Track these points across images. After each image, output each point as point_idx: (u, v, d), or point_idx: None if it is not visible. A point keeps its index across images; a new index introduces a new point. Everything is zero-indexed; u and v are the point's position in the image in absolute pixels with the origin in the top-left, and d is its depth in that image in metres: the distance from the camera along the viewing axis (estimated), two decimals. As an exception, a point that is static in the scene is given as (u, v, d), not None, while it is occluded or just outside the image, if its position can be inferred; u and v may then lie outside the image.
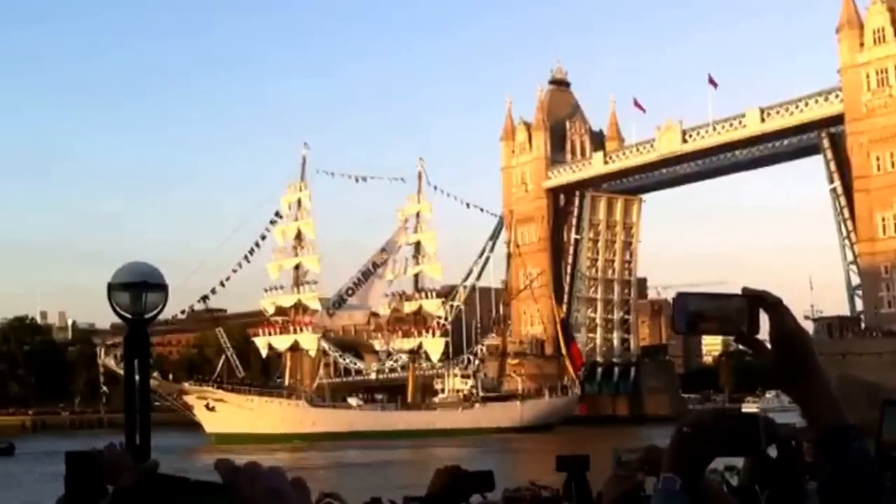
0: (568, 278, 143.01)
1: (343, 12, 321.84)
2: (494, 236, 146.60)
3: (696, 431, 2.47)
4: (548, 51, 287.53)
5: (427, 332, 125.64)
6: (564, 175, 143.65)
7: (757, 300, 2.43)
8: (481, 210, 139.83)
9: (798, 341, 2.46)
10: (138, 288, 11.93)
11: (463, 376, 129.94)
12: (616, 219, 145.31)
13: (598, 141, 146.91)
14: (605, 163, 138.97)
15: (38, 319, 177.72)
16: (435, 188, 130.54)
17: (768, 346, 2.47)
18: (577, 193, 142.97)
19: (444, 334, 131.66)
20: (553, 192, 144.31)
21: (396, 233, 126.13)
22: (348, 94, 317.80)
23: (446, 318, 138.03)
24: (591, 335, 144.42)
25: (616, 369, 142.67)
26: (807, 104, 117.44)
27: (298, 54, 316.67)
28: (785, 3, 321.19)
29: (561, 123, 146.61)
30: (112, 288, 11.92)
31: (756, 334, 2.37)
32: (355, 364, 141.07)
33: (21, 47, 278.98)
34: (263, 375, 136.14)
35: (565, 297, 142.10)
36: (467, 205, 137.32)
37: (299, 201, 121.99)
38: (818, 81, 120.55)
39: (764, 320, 2.35)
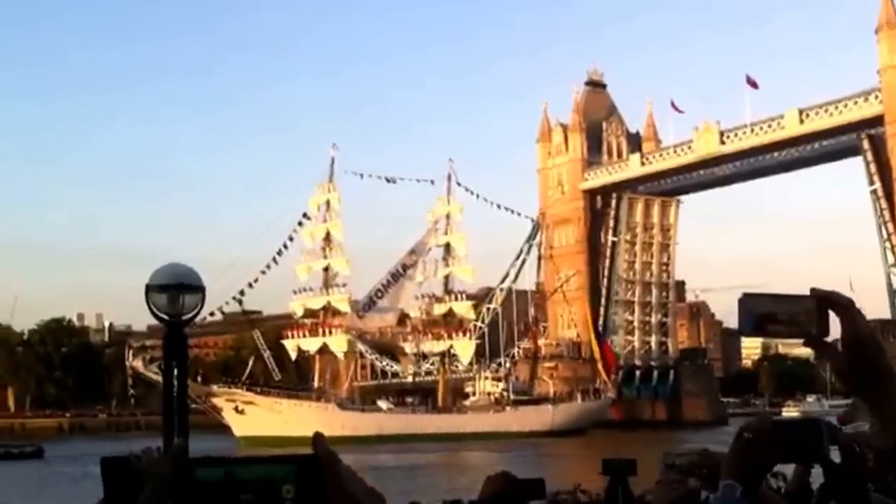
0: (605, 281, 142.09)
1: (374, 11, 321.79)
2: (531, 238, 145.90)
3: (757, 437, 2.41)
4: (583, 52, 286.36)
5: (457, 334, 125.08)
6: (601, 177, 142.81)
7: (826, 301, 2.35)
8: (511, 212, 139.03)
9: (870, 344, 2.37)
10: (176, 289, 11.82)
11: (494, 379, 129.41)
12: (653, 221, 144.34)
13: (634, 142, 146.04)
14: (642, 164, 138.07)
15: (75, 321, 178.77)
16: (465, 189, 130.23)
17: (839, 349, 2.39)
18: (614, 195, 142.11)
19: (480, 337, 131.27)
20: (590, 194, 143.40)
21: (426, 234, 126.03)
22: (378, 95, 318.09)
23: (482, 321, 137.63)
24: (628, 338, 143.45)
25: (654, 373, 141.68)
26: (846, 105, 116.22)
27: (328, 53, 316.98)
28: (824, 3, 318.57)
29: (597, 125, 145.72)
30: (150, 289, 11.79)
31: (825, 337, 2.36)
32: (391, 367, 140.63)
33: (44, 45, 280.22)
34: (299, 378, 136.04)
35: (602, 299, 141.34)
36: (497, 206, 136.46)
37: (328, 203, 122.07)
38: (858, 82, 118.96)
39: (834, 322, 2.40)
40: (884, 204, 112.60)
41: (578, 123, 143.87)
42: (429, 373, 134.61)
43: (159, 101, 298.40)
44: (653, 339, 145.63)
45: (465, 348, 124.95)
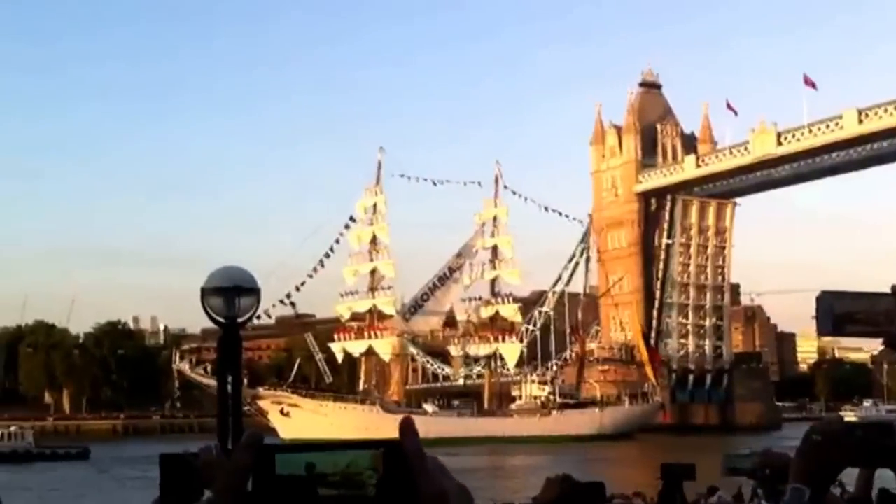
0: (658, 284, 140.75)
1: (422, 12, 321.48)
2: (584, 241, 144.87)
3: (827, 440, 2.33)
4: (638, 53, 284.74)
5: (504, 337, 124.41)
6: (655, 179, 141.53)
7: None
8: (560, 214, 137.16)
9: None
10: (231, 292, 11.45)
11: (540, 383, 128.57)
12: (708, 223, 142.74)
13: (689, 144, 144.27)
14: (698, 166, 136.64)
15: (131, 325, 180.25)
16: (513, 192, 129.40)
17: None
18: (669, 197, 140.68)
19: (532, 341, 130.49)
20: (644, 197, 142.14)
21: (473, 237, 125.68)
22: (426, 97, 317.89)
23: (534, 325, 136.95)
24: (682, 342, 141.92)
25: (708, 377, 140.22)
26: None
27: (376, 55, 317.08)
28: (882, 3, 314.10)
29: (652, 126, 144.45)
30: (205, 292, 11.38)
31: None
32: (443, 370, 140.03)
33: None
34: (350, 381, 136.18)
35: (656, 303, 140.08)
36: (545, 208, 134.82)
37: (375, 206, 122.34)
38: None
39: None
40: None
41: (633, 125, 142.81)
42: (480, 376, 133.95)
43: (211, 103, 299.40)
44: (707, 343, 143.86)
45: (511, 351, 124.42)
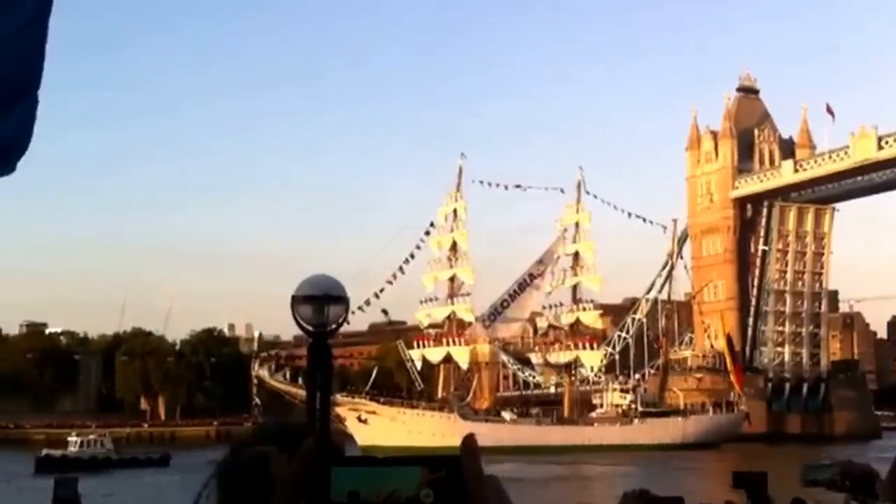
0: (755, 291, 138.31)
1: (504, 7, 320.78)
2: (679, 248, 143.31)
3: None
4: (735, 57, 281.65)
5: (585, 344, 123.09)
6: (752, 185, 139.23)
7: None
8: (644, 220, 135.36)
9: None
10: (321, 301, 11.32)
11: (622, 391, 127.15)
12: (806, 229, 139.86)
13: (787, 149, 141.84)
14: (795, 171, 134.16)
15: (226, 331, 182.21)
16: (594, 197, 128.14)
17: None
18: (766, 203, 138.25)
19: (624, 348, 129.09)
20: (739, 203, 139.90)
21: (554, 243, 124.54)
22: (509, 102, 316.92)
23: (627, 332, 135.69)
24: (778, 350, 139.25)
25: (805, 385, 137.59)
26: None
27: (459, 58, 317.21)
28: None
29: (749, 131, 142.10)
30: (295, 300, 11.29)
31: None
32: (534, 377, 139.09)
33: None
34: (443, 388, 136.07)
35: (751, 310, 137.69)
36: (629, 214, 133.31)
37: (455, 212, 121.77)
38: None
39: None
40: None
41: (729, 130, 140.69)
42: (578, 382, 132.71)
43: (302, 105, 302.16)
44: (804, 351, 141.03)
45: (592, 359, 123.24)
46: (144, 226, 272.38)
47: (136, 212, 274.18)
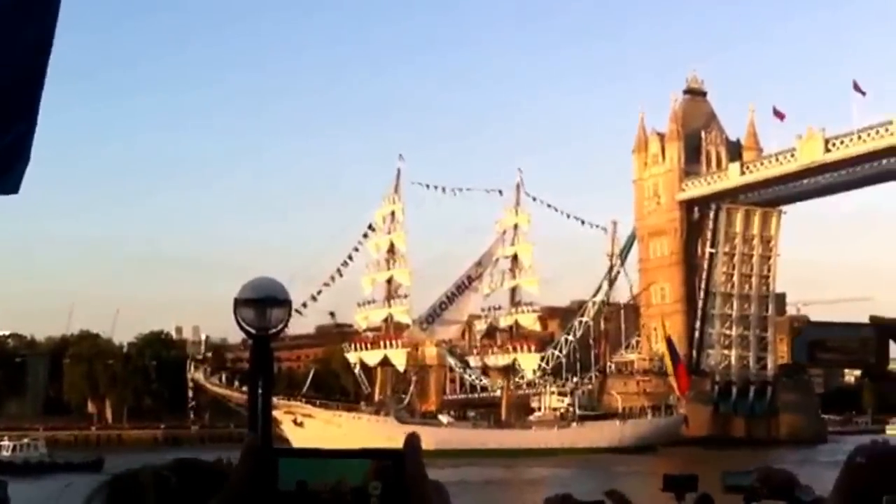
0: (701, 294, 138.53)
1: (449, 19, 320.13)
2: (625, 250, 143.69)
3: (872, 463, 2.22)
4: (681, 59, 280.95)
5: (522, 347, 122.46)
6: (699, 187, 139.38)
7: (887, 330, 2.11)
8: (582, 222, 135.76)
9: None
10: (263, 303, 10.77)
11: (560, 394, 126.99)
12: (753, 232, 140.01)
13: (734, 151, 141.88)
14: (742, 174, 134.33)
15: (174, 334, 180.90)
16: (534, 199, 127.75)
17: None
18: (713, 206, 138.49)
19: (571, 351, 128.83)
20: (686, 205, 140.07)
21: (493, 245, 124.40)
22: (450, 103, 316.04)
23: (573, 335, 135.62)
24: (725, 353, 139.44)
25: (752, 389, 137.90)
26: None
27: (397, 60, 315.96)
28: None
29: (696, 134, 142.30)
30: (237, 303, 10.75)
31: (885, 367, 2.17)
32: (481, 381, 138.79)
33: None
34: (392, 391, 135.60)
35: (698, 312, 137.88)
36: (567, 216, 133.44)
37: (393, 214, 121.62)
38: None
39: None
40: None
41: (676, 132, 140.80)
42: (518, 386, 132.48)
43: (245, 101, 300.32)
44: (751, 354, 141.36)
45: (529, 361, 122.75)
46: (90, 227, 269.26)
47: (82, 213, 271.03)
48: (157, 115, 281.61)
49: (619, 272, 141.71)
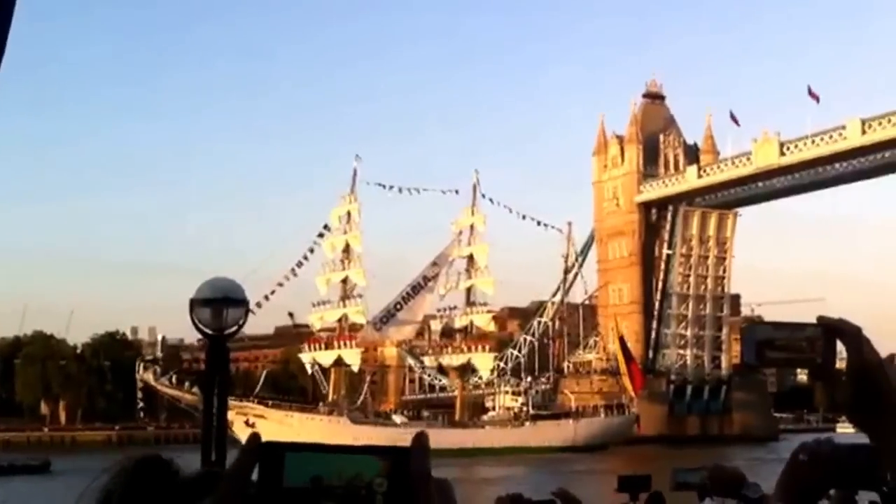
0: (658, 294, 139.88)
1: (412, 21, 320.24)
2: (585, 251, 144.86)
3: (814, 460, 2.29)
4: (641, 64, 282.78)
5: (477, 347, 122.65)
6: (657, 189, 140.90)
7: (833, 330, 2.16)
8: (538, 223, 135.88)
9: (879, 376, 2.16)
10: (219, 304, 11.21)
11: (514, 393, 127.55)
12: (710, 234, 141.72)
13: (692, 154, 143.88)
14: (699, 176, 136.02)
15: (129, 335, 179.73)
16: (490, 200, 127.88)
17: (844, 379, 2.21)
18: (670, 208, 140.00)
19: (530, 351, 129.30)
20: (645, 207, 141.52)
21: (449, 246, 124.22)
22: (408, 104, 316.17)
23: (533, 335, 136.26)
24: (681, 352, 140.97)
25: (706, 388, 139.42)
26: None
27: (358, 61, 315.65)
28: (887, 11, 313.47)
29: (654, 137, 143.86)
30: (194, 303, 11.22)
31: (832, 367, 2.24)
32: (440, 381, 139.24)
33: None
34: (350, 391, 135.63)
35: (655, 313, 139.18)
36: (522, 217, 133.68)
37: (349, 214, 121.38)
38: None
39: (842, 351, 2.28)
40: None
41: (635, 135, 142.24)
42: (476, 386, 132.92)
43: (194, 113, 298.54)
44: (706, 354, 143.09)
45: (484, 361, 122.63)
46: (44, 228, 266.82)
47: (36, 214, 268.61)
48: (110, 115, 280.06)
49: (577, 273, 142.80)
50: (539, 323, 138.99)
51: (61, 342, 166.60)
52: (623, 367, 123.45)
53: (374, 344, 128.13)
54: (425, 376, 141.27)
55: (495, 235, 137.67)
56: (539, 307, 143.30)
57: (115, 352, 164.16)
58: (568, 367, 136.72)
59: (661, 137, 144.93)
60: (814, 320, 1.94)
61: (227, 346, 11.98)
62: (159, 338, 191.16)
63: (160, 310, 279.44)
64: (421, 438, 1.63)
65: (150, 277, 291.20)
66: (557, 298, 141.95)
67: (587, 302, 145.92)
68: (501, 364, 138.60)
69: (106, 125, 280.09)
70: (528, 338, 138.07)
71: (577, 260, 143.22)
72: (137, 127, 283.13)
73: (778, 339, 2.07)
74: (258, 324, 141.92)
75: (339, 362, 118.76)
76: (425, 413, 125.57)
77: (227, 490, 1.64)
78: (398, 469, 1.64)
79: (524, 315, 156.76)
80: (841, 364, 2.05)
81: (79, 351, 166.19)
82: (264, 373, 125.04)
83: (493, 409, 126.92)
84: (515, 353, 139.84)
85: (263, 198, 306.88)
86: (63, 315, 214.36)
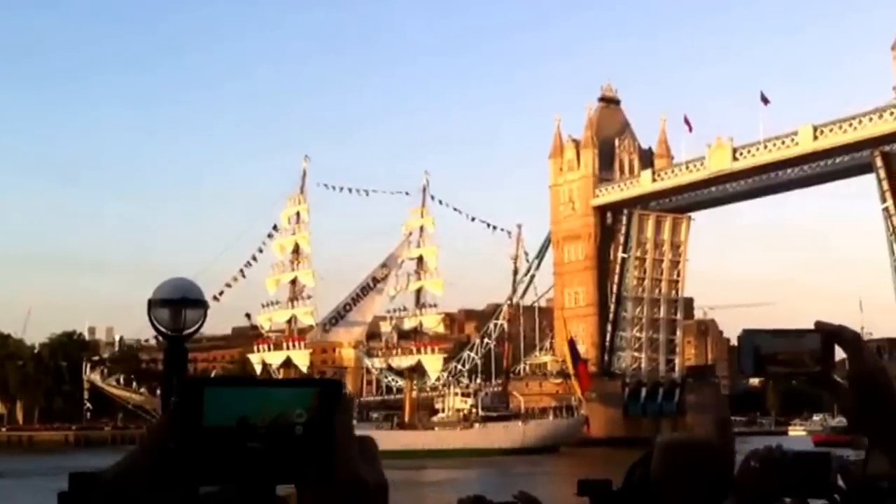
0: (613, 297, 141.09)
1: (369, 20, 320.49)
2: (541, 254, 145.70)
3: (764, 467, 2.35)
4: (597, 68, 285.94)
5: (426, 349, 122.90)
6: (612, 193, 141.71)
7: (832, 337, 2.16)
8: (487, 225, 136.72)
9: (880, 380, 2.15)
10: (178, 304, 11.74)
11: (463, 395, 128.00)
12: (664, 237, 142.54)
13: (647, 158, 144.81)
14: (654, 181, 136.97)
15: (86, 335, 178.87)
16: (440, 202, 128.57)
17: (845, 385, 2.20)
18: (625, 212, 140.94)
19: (486, 353, 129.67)
20: (600, 210, 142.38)
21: (399, 247, 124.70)
22: (363, 106, 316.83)
23: (489, 337, 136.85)
24: (635, 355, 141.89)
25: (660, 390, 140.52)
26: (861, 122, 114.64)
27: (311, 60, 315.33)
28: (839, 19, 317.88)
29: (609, 141, 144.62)
30: (152, 304, 11.78)
31: (830, 374, 2.18)
32: (397, 382, 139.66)
33: None
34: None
35: (611, 315, 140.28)
36: (472, 219, 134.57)
37: (298, 214, 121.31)
38: (873, 99, 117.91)
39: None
40: (895, 222, 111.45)
41: (591, 139, 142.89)
42: (434, 388, 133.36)
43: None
44: (660, 357, 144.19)
45: (433, 363, 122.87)
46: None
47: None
48: (64, 109, 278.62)
49: (533, 275, 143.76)
50: (496, 325, 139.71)
51: (18, 342, 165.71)
52: (571, 368, 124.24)
53: (322, 346, 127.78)
54: (382, 378, 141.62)
55: (449, 237, 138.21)
56: (496, 310, 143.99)
57: (73, 352, 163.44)
58: (524, 368, 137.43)
59: (617, 141, 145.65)
60: (767, 325, 2.15)
61: (186, 347, 12.10)
62: (116, 338, 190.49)
63: (117, 310, 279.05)
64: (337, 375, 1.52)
65: (106, 277, 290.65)
66: (514, 300, 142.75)
67: (539, 304, 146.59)
68: (459, 366, 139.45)
69: (66, 122, 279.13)
70: (486, 340, 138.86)
71: (531, 262, 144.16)
72: (95, 120, 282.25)
73: (780, 352, 2.10)
74: (216, 324, 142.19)
75: (287, 363, 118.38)
76: (374, 415, 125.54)
77: (153, 435, 1.64)
78: (324, 399, 1.61)
79: (481, 317, 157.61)
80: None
81: (36, 351, 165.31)
82: (213, 373, 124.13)
83: (443, 410, 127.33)
84: (472, 355, 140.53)
85: (214, 198, 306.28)
86: (20, 315, 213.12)
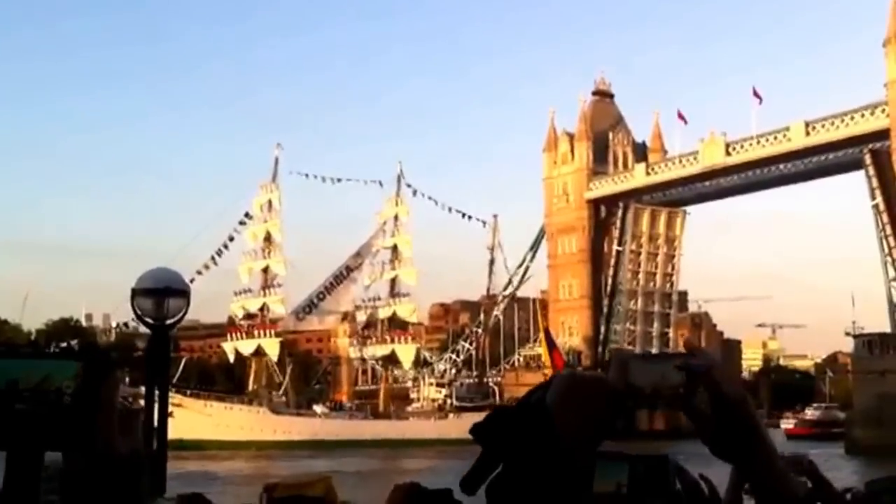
0: (607, 290, 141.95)
1: (358, 11, 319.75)
2: (535, 246, 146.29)
3: None
4: (591, 61, 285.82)
5: (400, 338, 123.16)
6: (606, 186, 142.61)
7: (690, 371, 2.09)
8: (462, 215, 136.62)
9: (740, 409, 2.09)
10: (161, 294, 12.18)
11: (438, 385, 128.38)
12: (659, 231, 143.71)
13: (641, 152, 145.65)
14: (648, 174, 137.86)
15: (83, 321, 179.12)
16: (414, 191, 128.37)
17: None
18: (620, 205, 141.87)
19: (480, 345, 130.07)
20: (594, 204, 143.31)
21: (373, 236, 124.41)
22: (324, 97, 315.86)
23: (483, 329, 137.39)
24: (630, 348, 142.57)
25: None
26: (853, 118, 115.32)
27: (293, 46, 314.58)
28: (833, 17, 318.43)
29: (604, 134, 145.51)
30: (135, 293, 12.19)
31: (692, 401, 2.12)
32: (392, 372, 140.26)
33: None
34: (304, 380, 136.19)
35: (604, 308, 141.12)
36: (448, 209, 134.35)
37: (270, 202, 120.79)
38: (865, 95, 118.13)
39: None
40: (885, 219, 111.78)
41: (585, 133, 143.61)
42: (414, 378, 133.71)
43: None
44: (653, 350, 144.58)
45: (406, 353, 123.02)
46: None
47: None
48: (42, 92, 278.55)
49: (527, 267, 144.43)
50: (487, 317, 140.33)
51: (15, 327, 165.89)
52: (546, 359, 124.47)
53: (318, 335, 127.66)
54: (377, 367, 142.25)
55: (423, 226, 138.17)
56: (491, 301, 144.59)
57: (69, 338, 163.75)
58: (518, 360, 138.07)
59: (611, 135, 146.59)
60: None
61: (169, 336, 12.42)
62: (113, 325, 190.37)
63: (117, 297, 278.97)
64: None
65: (106, 263, 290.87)
66: (508, 292, 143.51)
67: (518, 295, 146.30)
68: (454, 357, 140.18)
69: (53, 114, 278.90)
70: (479, 331, 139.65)
71: (526, 255, 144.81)
72: (76, 106, 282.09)
73: (646, 385, 2.16)
74: (214, 313, 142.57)
75: (258, 352, 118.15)
76: (347, 404, 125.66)
77: None
78: (91, 372, 1.70)
79: (475, 308, 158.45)
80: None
81: (33, 337, 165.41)
82: (183, 360, 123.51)
83: (418, 400, 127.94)
84: (467, 345, 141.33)
85: (187, 186, 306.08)
86: (17, 300, 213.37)
